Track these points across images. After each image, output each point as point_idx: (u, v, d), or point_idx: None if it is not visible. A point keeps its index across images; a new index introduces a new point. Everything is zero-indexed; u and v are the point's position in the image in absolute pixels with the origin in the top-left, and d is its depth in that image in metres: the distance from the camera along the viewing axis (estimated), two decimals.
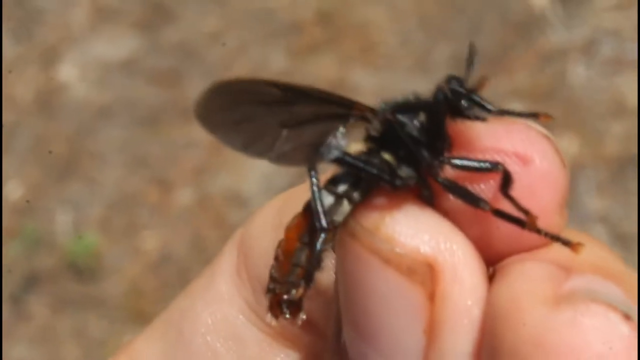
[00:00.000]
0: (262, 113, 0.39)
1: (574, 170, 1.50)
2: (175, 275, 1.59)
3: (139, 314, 1.54)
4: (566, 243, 0.35)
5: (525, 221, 0.35)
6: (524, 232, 0.35)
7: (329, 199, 0.37)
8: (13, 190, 1.73)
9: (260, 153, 0.40)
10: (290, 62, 1.85)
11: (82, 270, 1.62)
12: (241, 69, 1.84)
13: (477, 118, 0.37)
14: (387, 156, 0.38)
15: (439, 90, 0.37)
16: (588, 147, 1.54)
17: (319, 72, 1.82)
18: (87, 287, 1.60)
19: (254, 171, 1.64)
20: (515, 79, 1.65)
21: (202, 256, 1.59)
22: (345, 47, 1.84)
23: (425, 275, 0.34)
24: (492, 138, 0.36)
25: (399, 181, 0.36)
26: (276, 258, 0.37)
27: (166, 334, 0.45)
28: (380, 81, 1.75)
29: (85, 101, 1.84)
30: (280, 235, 0.39)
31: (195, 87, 1.83)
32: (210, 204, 1.67)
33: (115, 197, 1.71)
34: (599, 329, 0.31)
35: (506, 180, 0.35)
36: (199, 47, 1.89)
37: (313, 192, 0.36)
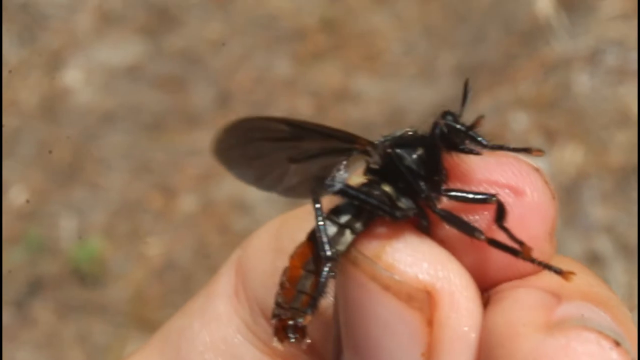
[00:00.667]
0: (272, 149, 0.41)
1: (578, 180, 1.50)
2: (179, 281, 1.59)
3: (143, 320, 1.55)
4: (558, 272, 0.37)
5: (519, 250, 0.37)
6: (517, 260, 0.37)
7: (332, 229, 0.39)
8: (17, 196, 1.73)
9: (270, 187, 0.43)
10: (295, 69, 1.85)
11: (86, 275, 1.62)
12: (245, 75, 1.84)
13: (472, 152, 0.39)
14: (387, 188, 0.40)
15: (436, 125, 0.39)
16: (592, 157, 1.54)
17: (323, 79, 1.83)
18: (90, 293, 1.60)
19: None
20: (520, 88, 1.65)
21: (206, 262, 1.59)
22: (350, 54, 1.85)
23: (424, 301, 0.36)
24: (485, 171, 0.38)
25: (399, 212, 0.38)
26: (281, 285, 0.39)
27: (164, 352, 0.46)
28: (384, 89, 1.75)
29: (89, 106, 1.85)
30: (278, 258, 0.41)
31: (199, 93, 1.83)
32: (214, 211, 1.67)
33: (119, 203, 1.71)
34: (590, 355, 0.33)
35: (500, 212, 0.37)
36: (203, 53, 1.89)
37: (318, 223, 0.38)
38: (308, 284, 0.38)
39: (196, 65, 1.88)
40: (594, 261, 1.39)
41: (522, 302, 0.35)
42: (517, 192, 0.38)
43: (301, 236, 0.39)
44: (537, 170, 0.38)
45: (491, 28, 1.76)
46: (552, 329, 0.34)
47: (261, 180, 0.42)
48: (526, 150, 0.39)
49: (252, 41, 1.91)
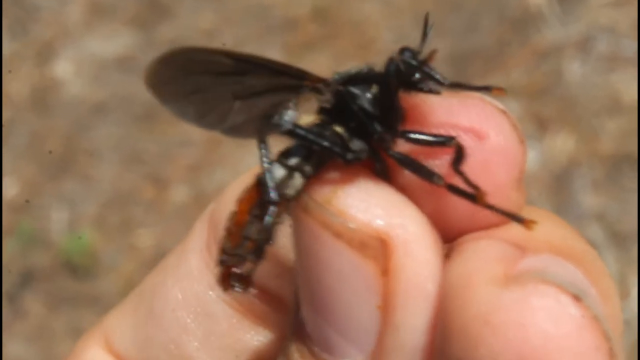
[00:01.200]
0: (215, 84, 0.38)
1: (569, 168, 1.50)
2: None
3: None
4: (518, 220, 0.35)
5: (476, 196, 0.35)
6: (480, 209, 0.35)
7: (280, 172, 0.36)
8: (9, 188, 1.73)
9: (212, 125, 0.40)
10: (286, 58, 1.85)
11: (78, 267, 1.62)
12: None
13: (431, 91, 0.36)
14: (338, 129, 0.37)
15: (391, 61, 0.37)
16: (583, 144, 1.54)
17: (315, 69, 1.81)
18: (82, 285, 1.60)
19: (249, 168, 1.64)
20: (511, 76, 1.65)
21: None
22: (341, 43, 1.84)
23: (378, 250, 0.34)
24: (446, 112, 0.36)
25: (351, 154, 0.36)
26: (227, 230, 0.37)
27: (138, 310, 0.45)
28: None
29: (80, 98, 1.84)
30: None
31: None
32: (205, 202, 1.67)
33: (110, 194, 1.70)
34: (547, 310, 0.31)
35: (458, 155, 0.35)
36: (195, 44, 1.88)
37: (263, 164, 0.36)
38: (254, 230, 0.36)
39: None
40: None
41: (482, 254, 0.33)
42: (480, 135, 0.35)
43: None
44: (503, 112, 0.35)
45: (483, 16, 1.76)
46: (509, 282, 0.31)
47: (202, 118, 0.40)
48: (486, 89, 0.36)
49: (244, 31, 1.90)
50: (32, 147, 1.78)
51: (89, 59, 1.90)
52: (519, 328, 0.31)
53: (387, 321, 0.34)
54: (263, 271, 0.40)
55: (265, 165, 0.36)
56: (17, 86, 1.87)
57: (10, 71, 1.85)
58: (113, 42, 1.91)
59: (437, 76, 0.36)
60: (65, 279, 1.61)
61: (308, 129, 0.37)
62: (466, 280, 0.32)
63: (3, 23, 1.94)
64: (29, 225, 1.67)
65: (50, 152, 1.73)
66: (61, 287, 1.60)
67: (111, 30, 1.93)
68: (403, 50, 0.37)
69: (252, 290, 0.37)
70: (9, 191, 1.72)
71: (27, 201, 1.69)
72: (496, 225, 0.35)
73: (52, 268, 1.62)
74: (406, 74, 0.36)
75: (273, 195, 0.35)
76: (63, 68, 1.89)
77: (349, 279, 0.34)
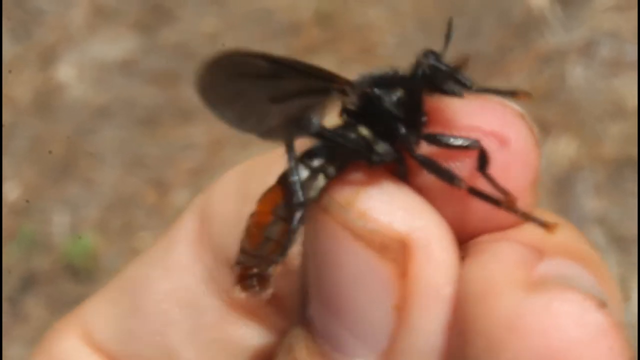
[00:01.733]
0: (254, 88, 0.38)
1: (572, 172, 1.50)
2: None
3: None
4: (542, 224, 0.35)
5: (501, 201, 0.35)
6: (497, 211, 0.35)
7: (304, 173, 0.36)
8: (10, 192, 1.73)
9: (252, 129, 0.40)
10: None
11: (79, 271, 1.62)
12: None
13: (455, 94, 0.36)
14: (364, 131, 0.37)
15: (417, 65, 0.37)
16: (586, 149, 1.54)
17: None
18: (84, 288, 1.60)
19: None
20: (514, 80, 1.65)
21: None
22: (344, 48, 1.84)
23: (398, 252, 0.34)
24: (468, 115, 0.36)
25: (376, 157, 0.36)
26: (247, 230, 0.37)
27: (120, 300, 0.44)
28: None
29: (83, 102, 1.84)
30: (245, 203, 0.38)
31: (193, 88, 1.83)
32: None
33: (112, 198, 1.70)
34: (572, 316, 0.31)
35: (483, 159, 0.35)
36: (198, 48, 1.89)
37: (291, 166, 0.36)
38: (276, 231, 0.36)
39: (190, 60, 1.88)
40: None
41: (502, 257, 0.33)
42: (501, 139, 0.35)
43: (270, 180, 0.37)
44: (522, 115, 0.36)
45: (485, 21, 1.76)
46: (533, 288, 0.32)
47: (243, 122, 0.39)
48: (512, 94, 0.36)
49: (247, 35, 1.90)
50: (34, 150, 1.78)
51: (92, 62, 1.90)
52: (544, 334, 0.31)
53: (402, 322, 0.34)
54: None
55: (293, 168, 0.36)
56: (19, 89, 1.87)
57: (10, 71, 1.85)
58: (116, 46, 1.91)
59: (464, 80, 0.36)
60: (66, 282, 1.61)
61: (334, 131, 0.37)
62: (488, 284, 0.33)
63: (6, 26, 1.95)
64: (30, 228, 1.67)
65: (50, 152, 1.73)
66: (63, 291, 1.60)
67: (114, 34, 1.93)
68: (428, 53, 0.37)
69: (270, 291, 0.37)
70: (11, 194, 1.72)
71: (27, 201, 1.69)
72: (509, 226, 0.36)
73: (54, 271, 1.62)
74: (434, 77, 0.37)
75: (302, 198, 0.36)
76: (66, 72, 1.89)
77: (365, 280, 0.34)
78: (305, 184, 0.36)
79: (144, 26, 1.94)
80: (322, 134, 0.37)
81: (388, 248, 0.34)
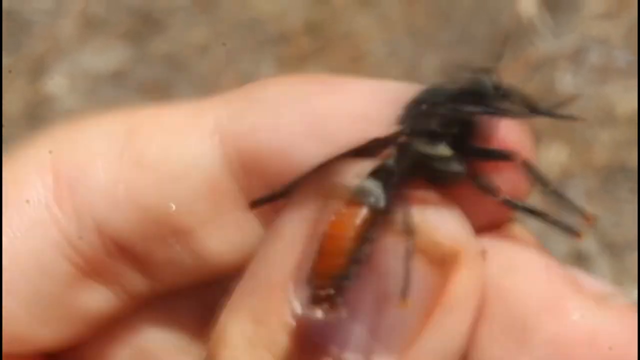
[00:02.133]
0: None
1: (563, 179, 1.50)
2: None
3: None
4: (572, 231, 0.39)
5: (536, 211, 0.37)
6: (493, 210, 0.37)
7: (376, 190, 0.37)
8: None
9: None
10: (280, 72, 1.85)
11: None
12: (230, 80, 1.83)
13: (512, 116, 0.38)
14: (445, 150, 0.38)
15: (478, 97, 0.39)
16: (576, 156, 1.54)
17: None
18: None
19: None
20: None
21: None
22: (334, 57, 1.84)
23: (448, 263, 0.35)
24: (495, 130, 0.38)
25: (452, 176, 0.37)
26: (324, 253, 0.36)
27: None
28: None
29: (74, 113, 1.84)
30: (132, 170, 0.38)
31: (184, 98, 1.82)
32: None
33: None
34: (634, 330, 0.35)
35: (527, 168, 0.37)
36: (188, 58, 1.89)
37: (405, 211, 0.36)
38: (364, 253, 0.36)
39: (181, 70, 1.88)
40: (579, 260, 1.39)
41: (536, 268, 0.36)
42: (515, 151, 0.37)
43: (164, 140, 0.37)
44: (526, 129, 0.38)
45: (475, 28, 1.76)
46: (598, 303, 0.35)
47: None
48: (570, 118, 0.39)
49: (237, 45, 1.91)
50: None
51: (82, 73, 1.90)
52: (625, 346, 0.34)
53: (428, 327, 0.35)
54: (130, 229, 0.39)
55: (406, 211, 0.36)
56: (10, 101, 1.87)
57: (10, 71, 1.85)
58: (106, 56, 1.91)
59: (533, 106, 0.38)
60: None
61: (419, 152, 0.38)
62: (546, 301, 0.35)
63: None
64: None
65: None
66: None
67: (104, 45, 1.93)
68: (480, 80, 0.39)
69: (344, 308, 0.36)
70: None
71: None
72: (500, 222, 0.38)
73: None
74: (495, 104, 0.38)
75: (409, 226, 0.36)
76: (56, 83, 1.89)
77: (414, 291, 0.35)
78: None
79: (133, 37, 1.94)
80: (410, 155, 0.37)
81: (443, 260, 0.35)
